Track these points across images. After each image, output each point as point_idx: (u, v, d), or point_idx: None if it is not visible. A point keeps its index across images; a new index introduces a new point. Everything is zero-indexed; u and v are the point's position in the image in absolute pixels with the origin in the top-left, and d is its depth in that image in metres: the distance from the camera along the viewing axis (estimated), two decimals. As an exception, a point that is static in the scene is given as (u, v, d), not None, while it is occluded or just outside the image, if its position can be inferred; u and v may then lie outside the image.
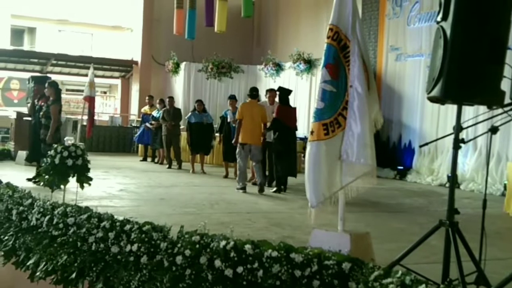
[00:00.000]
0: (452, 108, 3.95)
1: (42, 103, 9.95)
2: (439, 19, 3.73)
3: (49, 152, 9.20)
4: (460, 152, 3.84)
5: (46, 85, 9.96)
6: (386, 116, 14.45)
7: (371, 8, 15.14)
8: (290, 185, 10.63)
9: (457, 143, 3.72)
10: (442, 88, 3.60)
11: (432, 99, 3.82)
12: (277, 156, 10.10)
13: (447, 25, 3.63)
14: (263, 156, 10.36)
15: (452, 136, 3.77)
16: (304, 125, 16.30)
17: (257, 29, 21.67)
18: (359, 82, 4.60)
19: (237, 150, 10.12)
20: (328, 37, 4.68)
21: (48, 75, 17.37)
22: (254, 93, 10.38)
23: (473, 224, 4.10)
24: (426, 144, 4.78)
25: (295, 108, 10.77)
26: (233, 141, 10.40)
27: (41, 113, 9.73)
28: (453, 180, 3.83)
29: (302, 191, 10.24)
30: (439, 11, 3.75)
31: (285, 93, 10.45)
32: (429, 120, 13.24)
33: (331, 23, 4.71)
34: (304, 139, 15.73)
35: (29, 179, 9.51)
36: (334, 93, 4.59)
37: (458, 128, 3.74)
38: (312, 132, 4.65)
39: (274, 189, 10.11)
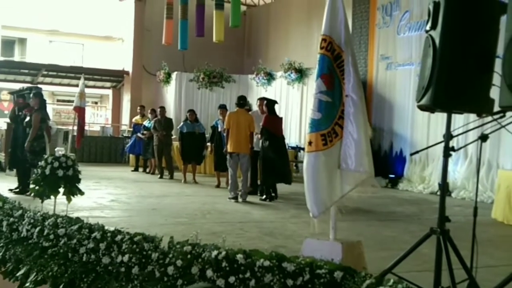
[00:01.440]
0: (442, 116, 3.97)
1: (27, 112, 9.95)
2: (428, 28, 3.76)
3: (32, 160, 9.33)
4: (450, 160, 3.85)
5: (31, 95, 9.99)
6: (377, 125, 14.53)
7: (361, 17, 15.23)
8: (281, 194, 10.62)
9: (447, 151, 3.73)
10: (431, 97, 3.62)
11: (422, 108, 3.84)
12: (269, 164, 10.06)
13: (436, 34, 3.65)
14: (253, 165, 10.42)
15: (443, 144, 3.78)
16: (296, 135, 16.36)
17: (248, 39, 21.75)
18: (355, 92, 4.63)
19: (227, 159, 10.21)
20: (321, 48, 4.68)
21: (39, 85, 17.31)
22: (241, 102, 10.52)
23: (464, 231, 4.10)
24: (417, 152, 4.78)
25: (281, 118, 10.87)
26: (224, 150, 10.44)
27: (25, 122, 9.74)
28: (444, 188, 3.84)
29: (294, 200, 10.33)
30: (428, 20, 3.77)
31: (272, 103, 10.54)
32: (420, 128, 13.31)
33: (323, 33, 4.70)
34: (296, 148, 15.77)
35: (11, 190, 9.49)
36: (330, 103, 4.59)
37: (448, 136, 3.75)
38: (310, 143, 4.62)
39: (264, 196, 10.15)
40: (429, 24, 3.74)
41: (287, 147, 10.87)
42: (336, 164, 4.61)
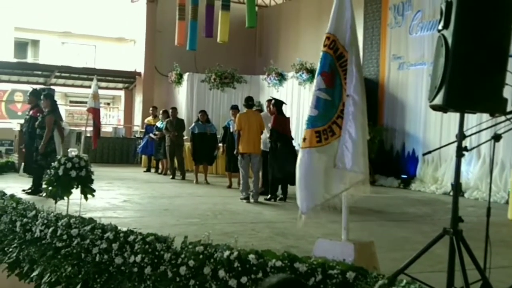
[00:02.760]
0: (455, 116, 3.95)
1: (38, 114, 10.00)
2: (440, 27, 3.74)
3: (40, 161, 9.40)
4: (463, 160, 3.83)
5: (42, 97, 10.04)
6: (390, 125, 14.48)
7: (373, 17, 15.18)
8: (293, 194, 10.57)
9: (460, 151, 3.71)
10: (444, 96, 3.60)
11: (435, 107, 3.82)
12: (279, 164, 10.00)
13: (449, 34, 3.64)
14: (264, 166, 10.45)
15: (455, 144, 3.76)
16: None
17: (259, 39, 21.75)
18: (357, 92, 4.60)
19: (239, 160, 10.24)
20: (324, 45, 4.68)
21: (52, 87, 17.45)
22: (250, 102, 10.60)
23: (478, 232, 4.08)
24: (430, 152, 4.76)
25: (288, 118, 10.87)
26: (234, 152, 10.47)
27: (36, 124, 9.80)
28: (457, 188, 3.82)
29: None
30: (440, 19, 3.75)
31: (279, 104, 10.58)
32: (432, 128, 13.24)
33: (328, 31, 4.71)
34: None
35: (24, 190, 9.56)
36: (329, 101, 4.58)
37: (461, 136, 3.73)
38: (304, 139, 4.64)
39: (269, 196, 10.16)
40: (442, 24, 3.72)
41: (296, 147, 10.75)
42: (332, 163, 4.59)
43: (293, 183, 10.11)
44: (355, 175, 4.57)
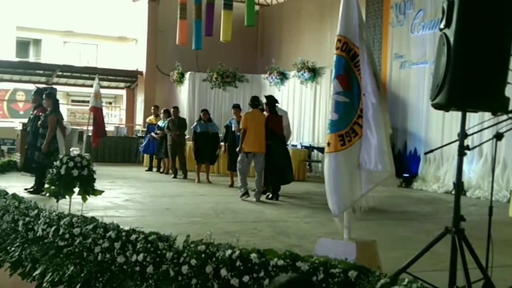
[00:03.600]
0: (457, 115, 3.95)
1: (40, 113, 10.03)
2: (442, 26, 3.74)
3: (43, 160, 9.43)
4: (465, 159, 3.83)
5: (44, 96, 10.06)
6: (391, 124, 14.43)
7: (374, 16, 15.17)
8: (295, 194, 10.63)
9: (462, 150, 3.71)
10: (446, 95, 3.60)
11: (436, 106, 3.82)
12: (274, 164, 10.14)
13: (450, 32, 3.64)
14: (266, 165, 10.41)
15: (457, 143, 3.76)
16: (309, 134, 16.33)
17: (261, 38, 21.74)
18: (372, 90, 4.62)
19: (239, 158, 10.26)
20: (337, 48, 4.63)
21: (54, 86, 17.45)
22: (255, 102, 10.58)
23: (480, 231, 4.08)
24: (431, 151, 4.77)
25: (281, 116, 10.80)
26: (237, 150, 10.47)
27: (39, 123, 9.81)
28: (458, 187, 3.82)
29: (307, 200, 10.32)
30: (442, 18, 3.75)
31: (272, 102, 10.56)
32: (434, 127, 13.23)
33: (339, 34, 4.66)
34: (309, 148, 15.74)
35: (26, 189, 9.59)
36: (348, 103, 4.57)
37: (463, 135, 3.74)
38: (328, 144, 4.60)
39: (270, 195, 10.21)
40: (443, 22, 3.72)
41: (286, 145, 10.83)
42: (356, 164, 4.60)
43: (285, 183, 10.41)
44: (380, 173, 4.58)
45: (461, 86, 3.58)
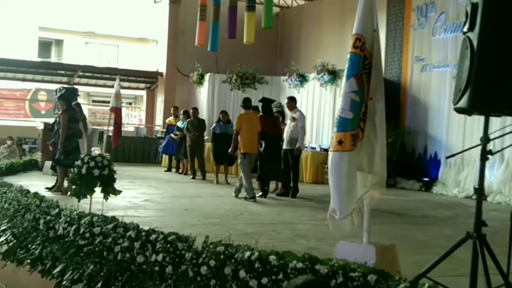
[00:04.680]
0: (478, 119, 3.92)
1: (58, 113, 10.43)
2: (465, 29, 3.71)
3: (63, 160, 9.58)
4: (487, 164, 3.79)
5: (57, 97, 10.31)
6: (412, 128, 14.38)
7: (395, 18, 15.09)
8: (313, 196, 10.60)
9: (485, 155, 3.68)
10: (469, 99, 3.57)
11: (459, 110, 3.79)
12: (262, 163, 10.61)
13: (474, 36, 3.61)
14: (285, 167, 10.85)
15: (479, 148, 3.73)
16: (328, 136, 16.25)
17: (280, 40, 21.74)
18: (381, 96, 4.61)
19: (239, 160, 10.57)
20: (355, 47, 4.60)
21: (75, 86, 17.63)
22: (248, 104, 10.90)
23: (501, 236, 4.03)
24: (453, 155, 4.72)
25: (277, 118, 11.26)
26: (229, 150, 10.79)
27: (56, 124, 10.26)
28: (481, 191, 3.78)
29: (326, 202, 10.24)
30: (466, 21, 3.72)
31: (267, 103, 10.94)
32: (455, 131, 13.12)
33: (358, 32, 4.61)
34: (328, 150, 15.68)
35: (47, 188, 9.71)
36: (358, 104, 4.56)
37: (486, 139, 3.70)
38: (341, 142, 4.51)
39: (260, 193, 10.54)
40: (467, 26, 3.69)
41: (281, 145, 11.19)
42: (356, 166, 4.58)
43: (279, 179, 10.88)
44: (373, 177, 4.57)
45: (485, 90, 3.54)
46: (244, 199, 10.09)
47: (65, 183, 9.11)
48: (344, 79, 4.65)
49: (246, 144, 10.32)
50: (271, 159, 10.57)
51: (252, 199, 10.01)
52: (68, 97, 10.51)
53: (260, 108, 11.03)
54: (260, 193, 10.55)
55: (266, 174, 10.69)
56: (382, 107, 4.61)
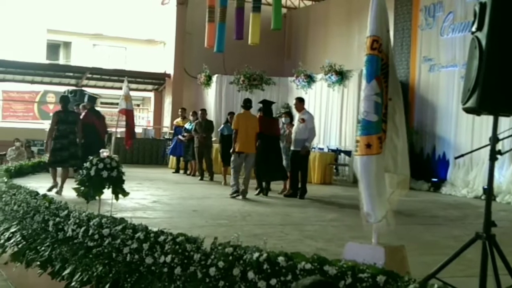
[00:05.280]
0: (487, 119, 3.91)
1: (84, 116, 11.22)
2: (474, 29, 3.70)
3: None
4: (496, 164, 3.77)
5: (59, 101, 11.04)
6: (420, 128, 14.33)
7: (403, 19, 15.05)
8: (321, 197, 10.59)
9: (494, 155, 3.66)
10: (477, 99, 3.56)
11: (468, 110, 3.77)
12: (259, 163, 10.89)
13: (482, 36, 3.59)
14: (292, 168, 11.03)
15: (488, 148, 3.71)
16: (336, 137, 16.23)
17: (288, 41, 21.74)
18: (398, 96, 4.62)
19: (233, 157, 10.80)
20: (373, 49, 4.54)
21: (83, 88, 17.71)
22: (247, 104, 11.12)
23: (511, 237, 4.02)
24: (462, 155, 4.70)
25: (276, 119, 11.74)
26: (230, 151, 10.94)
27: None
28: (490, 192, 3.76)
29: (334, 203, 10.27)
30: (474, 21, 3.71)
31: (267, 105, 11.29)
32: (463, 131, 13.07)
33: (375, 34, 4.55)
34: (336, 151, 15.66)
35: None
36: (380, 106, 4.55)
37: (495, 139, 3.68)
38: (369, 145, 4.48)
39: (257, 191, 10.93)
40: (475, 25, 3.68)
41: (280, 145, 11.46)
42: (384, 168, 4.57)
43: (280, 179, 11.17)
44: (398, 177, 4.57)
45: (493, 90, 3.53)
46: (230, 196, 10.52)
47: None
48: (363, 81, 4.61)
49: (241, 143, 10.58)
50: (268, 160, 10.86)
51: (233, 194, 10.48)
52: (63, 100, 10.88)
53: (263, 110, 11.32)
54: (257, 191, 10.91)
55: (261, 174, 11.05)
56: (401, 107, 4.65)
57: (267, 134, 10.87)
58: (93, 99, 11.65)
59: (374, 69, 4.54)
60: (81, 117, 11.20)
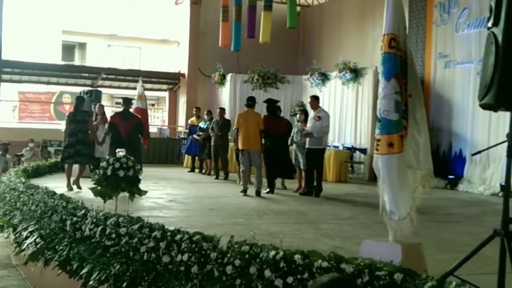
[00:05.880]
0: (504, 115, 3.87)
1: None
2: (490, 24, 3.67)
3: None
4: (513, 161, 3.74)
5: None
6: (436, 125, 14.24)
7: (418, 15, 14.96)
8: (337, 195, 10.57)
9: (511, 151, 3.63)
10: (494, 95, 3.53)
11: (485, 107, 3.75)
12: (268, 161, 11.20)
13: (499, 31, 3.56)
14: (308, 166, 10.94)
15: (505, 144, 3.68)
16: (351, 135, 16.18)
17: (302, 39, 21.69)
18: (418, 92, 4.63)
19: (240, 155, 11.06)
20: (391, 47, 4.52)
21: (98, 88, 17.82)
22: (250, 102, 11.33)
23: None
24: (479, 152, 4.68)
25: (280, 118, 11.99)
26: (235, 148, 11.22)
27: None
28: (508, 188, 3.73)
29: (350, 201, 10.24)
30: (490, 16, 3.68)
31: (271, 104, 11.55)
32: (480, 127, 12.96)
33: (392, 32, 4.54)
34: (351, 149, 15.61)
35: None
36: (400, 104, 4.54)
37: (512, 135, 3.65)
38: (391, 145, 4.48)
39: (267, 190, 11.02)
40: (491, 21, 3.65)
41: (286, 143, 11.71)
42: (406, 165, 4.58)
43: (287, 177, 11.56)
44: (422, 172, 4.57)
45: (510, 86, 3.50)
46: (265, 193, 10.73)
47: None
48: (382, 80, 4.58)
49: (241, 141, 10.85)
50: (274, 158, 11.11)
51: (244, 192, 10.65)
52: (77, 101, 11.45)
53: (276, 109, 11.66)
54: (267, 190, 11.00)
55: (268, 172, 11.28)
56: (421, 103, 4.66)
57: (272, 133, 11.15)
58: (127, 101, 11.95)
59: (393, 67, 4.52)
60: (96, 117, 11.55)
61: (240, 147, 10.93)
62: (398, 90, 4.50)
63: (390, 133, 4.50)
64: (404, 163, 4.54)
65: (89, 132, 11.03)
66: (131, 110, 12.13)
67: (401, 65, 4.56)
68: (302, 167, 11.31)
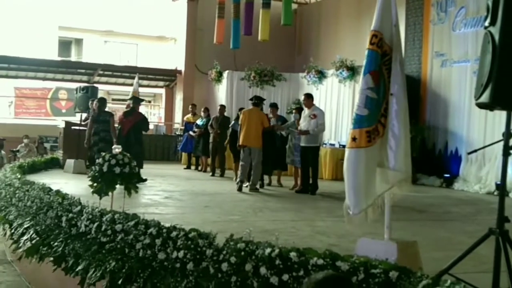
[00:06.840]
0: (500, 114, 3.89)
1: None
2: (487, 24, 3.68)
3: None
4: (509, 159, 3.75)
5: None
6: (432, 123, 14.27)
7: (415, 14, 14.97)
8: (333, 193, 10.57)
9: (507, 150, 3.64)
10: (491, 94, 3.54)
11: (481, 105, 3.76)
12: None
13: (496, 30, 3.57)
14: (302, 165, 11.02)
15: (501, 143, 3.69)
16: (347, 133, 16.16)
17: (298, 37, 21.69)
18: (402, 91, 4.56)
19: (241, 152, 11.25)
20: (372, 43, 4.60)
21: (95, 85, 17.78)
22: (255, 101, 11.47)
23: (524, 233, 3.99)
24: (475, 151, 4.69)
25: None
26: (237, 145, 11.37)
27: None
28: (503, 187, 3.75)
29: (345, 200, 10.23)
30: (487, 15, 3.69)
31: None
32: (476, 126, 12.99)
33: (375, 29, 4.62)
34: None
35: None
36: (375, 100, 4.54)
37: (508, 134, 3.66)
38: (354, 139, 4.54)
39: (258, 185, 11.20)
40: (488, 20, 3.66)
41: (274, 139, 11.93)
42: (376, 163, 4.55)
43: (282, 169, 12.08)
44: (398, 174, 4.52)
45: (507, 85, 3.51)
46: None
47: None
48: (361, 75, 4.64)
49: (242, 137, 11.11)
50: (269, 152, 11.35)
51: (240, 182, 10.92)
52: (100, 102, 12.42)
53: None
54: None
55: (265, 166, 11.46)
56: (403, 102, 4.55)
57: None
58: (136, 100, 12.75)
59: (371, 63, 4.57)
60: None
61: (240, 142, 11.12)
62: (372, 86, 4.50)
63: (358, 127, 4.53)
64: (372, 159, 4.52)
65: (110, 131, 11.92)
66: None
67: (387, 62, 4.56)
68: (297, 165, 11.32)
